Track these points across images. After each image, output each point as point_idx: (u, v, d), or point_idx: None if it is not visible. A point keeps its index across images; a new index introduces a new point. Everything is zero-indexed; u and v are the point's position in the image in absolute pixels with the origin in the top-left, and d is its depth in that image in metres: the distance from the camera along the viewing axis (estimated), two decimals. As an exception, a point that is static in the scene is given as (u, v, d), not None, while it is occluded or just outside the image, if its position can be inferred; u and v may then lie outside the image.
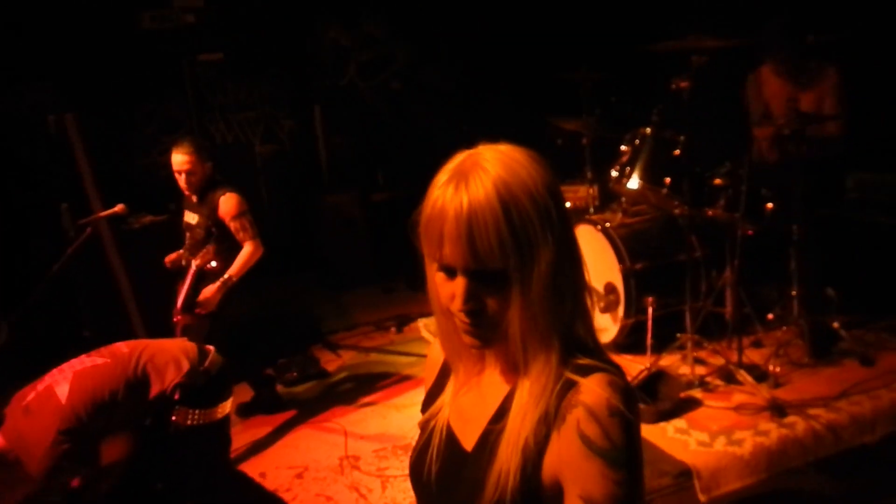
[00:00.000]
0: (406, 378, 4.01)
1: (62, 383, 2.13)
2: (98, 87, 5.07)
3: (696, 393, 3.24)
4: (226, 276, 3.29)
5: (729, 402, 3.16)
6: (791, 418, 2.96)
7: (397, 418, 3.57)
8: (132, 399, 2.22)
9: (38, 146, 4.42)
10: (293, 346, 4.56)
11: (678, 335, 3.44)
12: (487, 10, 6.06)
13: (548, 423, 0.90)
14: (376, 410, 3.67)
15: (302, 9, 5.91)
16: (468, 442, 1.00)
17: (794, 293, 3.43)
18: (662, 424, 3.02)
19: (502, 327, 0.91)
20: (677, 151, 3.42)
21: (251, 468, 3.24)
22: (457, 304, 0.91)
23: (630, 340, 3.71)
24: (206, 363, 2.38)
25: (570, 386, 0.90)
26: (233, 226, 3.38)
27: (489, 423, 0.97)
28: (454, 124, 6.05)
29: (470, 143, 0.95)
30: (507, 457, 0.91)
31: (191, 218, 3.51)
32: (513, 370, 0.96)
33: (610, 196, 4.09)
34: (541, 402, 0.91)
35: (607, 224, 3.74)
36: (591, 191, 4.24)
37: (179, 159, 3.34)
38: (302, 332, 4.84)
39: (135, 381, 2.24)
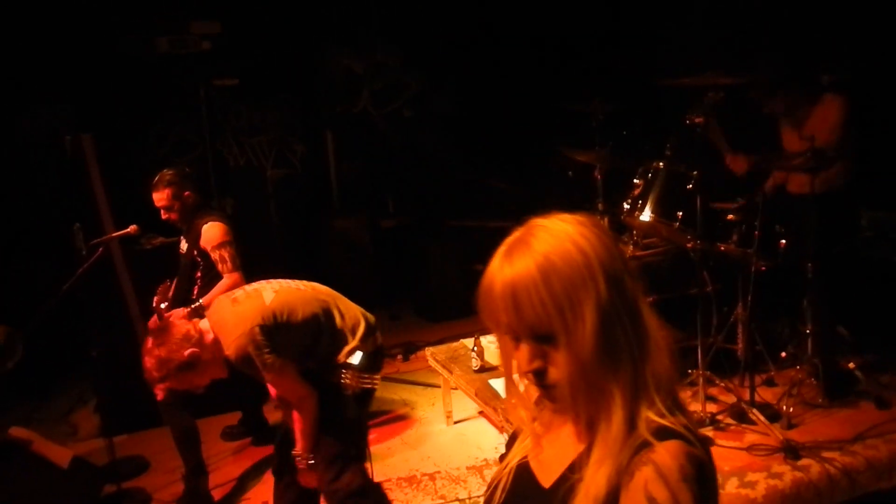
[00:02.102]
0: (412, 410, 3.96)
1: (268, 290, 2.41)
2: (114, 108, 5.13)
3: (708, 431, 3.18)
4: (198, 303, 3.13)
5: (741, 442, 3.09)
6: (805, 461, 2.89)
7: (402, 450, 3.51)
8: (313, 333, 2.39)
9: (53, 166, 4.46)
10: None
11: (689, 371, 3.39)
12: (500, 39, 6.12)
13: (620, 477, 0.92)
14: (382, 442, 3.61)
15: (316, 37, 5.99)
16: (546, 481, 1.04)
17: (807, 331, 3.38)
18: (673, 463, 2.96)
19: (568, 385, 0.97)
20: (690, 186, 3.41)
21: (255, 497, 3.20)
22: (521, 367, 0.99)
23: (640, 375, 3.65)
24: (376, 333, 2.54)
25: (645, 445, 0.92)
26: (213, 255, 3.28)
27: (567, 471, 1.01)
28: (466, 153, 6.07)
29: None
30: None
31: (182, 245, 3.47)
32: (589, 427, 1.00)
33: (621, 228, 4.07)
34: (615, 456, 0.93)
35: (618, 257, 3.71)
36: (602, 223, 4.23)
37: (155, 196, 3.33)
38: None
39: (324, 317, 2.43)
